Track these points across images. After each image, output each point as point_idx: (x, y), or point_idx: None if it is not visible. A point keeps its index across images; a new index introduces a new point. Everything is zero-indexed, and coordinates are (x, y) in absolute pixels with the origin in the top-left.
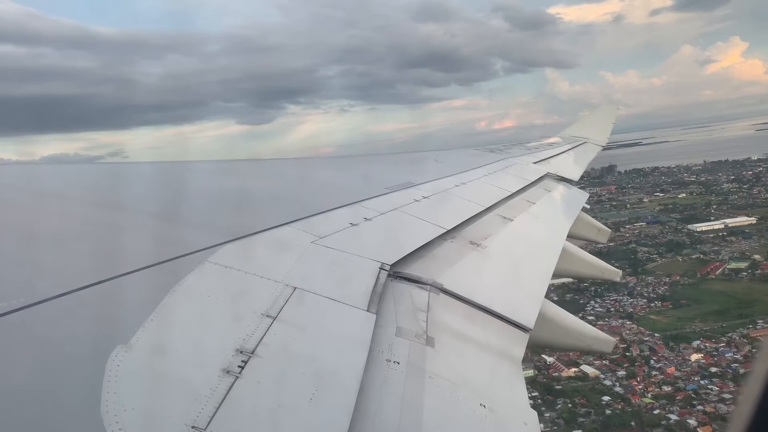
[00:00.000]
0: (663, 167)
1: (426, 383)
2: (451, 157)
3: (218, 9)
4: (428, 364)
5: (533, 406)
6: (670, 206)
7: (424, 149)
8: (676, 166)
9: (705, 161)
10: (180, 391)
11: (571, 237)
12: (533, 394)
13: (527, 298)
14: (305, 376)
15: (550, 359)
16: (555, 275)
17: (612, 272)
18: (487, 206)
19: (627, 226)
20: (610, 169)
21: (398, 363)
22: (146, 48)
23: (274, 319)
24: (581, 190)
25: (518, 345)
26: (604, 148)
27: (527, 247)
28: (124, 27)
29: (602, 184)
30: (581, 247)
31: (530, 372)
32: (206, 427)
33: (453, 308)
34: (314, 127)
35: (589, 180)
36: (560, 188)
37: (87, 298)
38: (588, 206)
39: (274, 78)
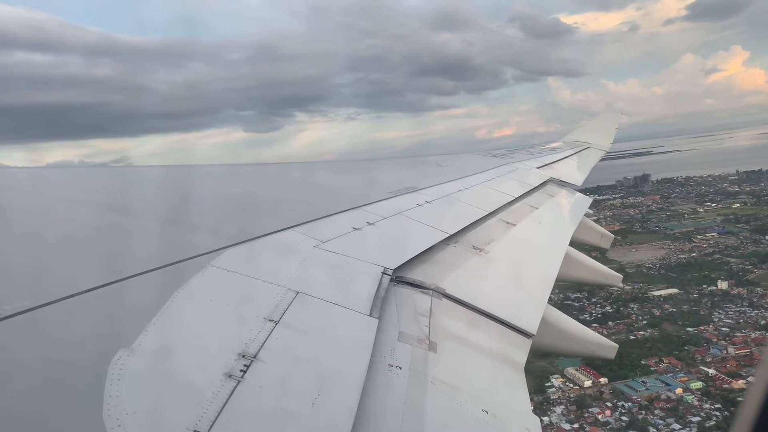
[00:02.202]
0: (696, 177)
1: (428, 388)
2: (454, 161)
3: (240, 18)
4: (430, 369)
5: (723, 419)
6: (731, 217)
7: (425, 155)
8: (709, 175)
9: (738, 171)
10: (182, 395)
11: (574, 242)
12: (716, 405)
13: (530, 304)
14: (307, 381)
15: (711, 371)
16: (558, 280)
17: (615, 278)
18: (490, 211)
19: (698, 237)
20: (644, 178)
21: (400, 368)
22: (167, 56)
23: (277, 323)
24: (585, 195)
25: (521, 350)
26: (616, 157)
27: (530, 252)
28: (149, 35)
29: (641, 194)
30: (584, 252)
31: (699, 384)
32: (208, 431)
33: (455, 313)
34: (318, 135)
35: (623, 189)
36: (563, 193)
37: (90, 301)
38: (591, 211)
39: (287, 86)
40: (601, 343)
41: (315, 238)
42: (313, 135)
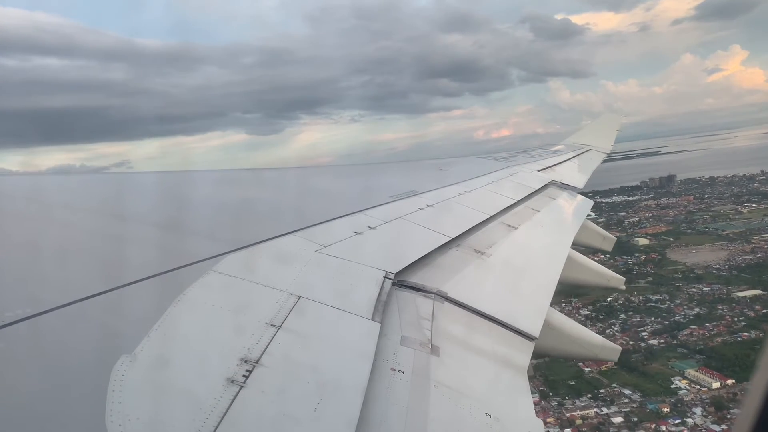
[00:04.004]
0: (721, 177)
1: (431, 392)
2: (456, 165)
3: (254, 22)
4: (433, 373)
5: None
6: None
7: (423, 158)
8: (733, 175)
9: (762, 171)
10: (184, 401)
11: (576, 245)
12: None
13: (532, 307)
14: (309, 386)
15: None
16: (560, 283)
17: (617, 280)
18: (492, 214)
19: (755, 237)
20: (670, 178)
21: (403, 372)
22: (184, 60)
23: (279, 328)
24: (586, 198)
25: (523, 353)
26: (624, 158)
27: (532, 255)
28: (168, 40)
29: (671, 194)
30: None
31: None
32: None
33: (458, 317)
34: (319, 138)
35: (650, 190)
36: (565, 196)
37: (92, 308)
38: (593, 214)
39: (296, 89)
40: (604, 345)
41: (316, 243)
42: (314, 137)
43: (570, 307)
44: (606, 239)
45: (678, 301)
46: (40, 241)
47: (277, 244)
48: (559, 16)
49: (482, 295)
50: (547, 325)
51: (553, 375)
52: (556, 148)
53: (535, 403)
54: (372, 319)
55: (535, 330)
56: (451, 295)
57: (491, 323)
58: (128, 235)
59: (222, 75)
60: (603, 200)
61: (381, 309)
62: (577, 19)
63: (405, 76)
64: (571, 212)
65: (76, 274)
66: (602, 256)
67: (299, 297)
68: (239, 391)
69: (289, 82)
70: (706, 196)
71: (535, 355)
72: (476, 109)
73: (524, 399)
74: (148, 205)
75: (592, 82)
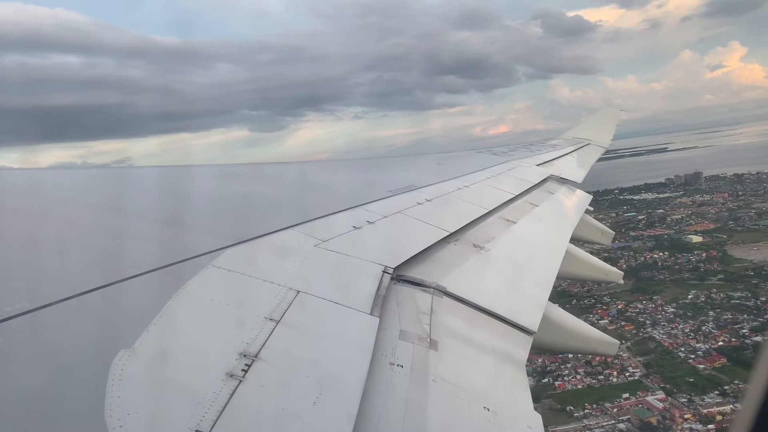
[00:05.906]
0: (746, 174)
1: (430, 386)
2: (454, 159)
3: (268, 20)
4: (432, 368)
5: None
6: None
7: (425, 153)
8: (758, 172)
9: None
10: (183, 395)
11: (574, 239)
12: None
13: (531, 301)
14: (309, 380)
15: None
16: (559, 277)
17: (615, 274)
18: (490, 209)
19: None
20: (696, 176)
21: (402, 366)
22: (196, 57)
23: (278, 322)
24: (585, 192)
25: (522, 348)
26: (633, 154)
27: (530, 249)
28: (186, 37)
29: (699, 191)
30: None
31: None
32: (210, 431)
33: (456, 311)
34: (320, 134)
35: (677, 187)
36: (564, 190)
37: (91, 303)
38: (591, 208)
39: (303, 86)
40: (602, 340)
41: (315, 237)
42: (313, 134)
43: (653, 305)
44: (604, 233)
45: (763, 298)
46: (39, 236)
47: (275, 239)
48: (571, 13)
49: (481, 290)
50: (546, 320)
51: (669, 372)
52: (555, 142)
53: (663, 400)
54: (371, 314)
55: (533, 324)
56: (450, 289)
57: (490, 318)
58: (127, 229)
59: (233, 72)
60: (633, 197)
61: (380, 303)
62: (589, 16)
63: (412, 73)
64: (569, 207)
65: (76, 268)
66: (662, 254)
67: (298, 291)
68: (238, 385)
69: (298, 79)
70: (740, 193)
71: (534, 349)
72: (475, 106)
73: (523, 393)
74: (146, 200)
75: (594, 78)
